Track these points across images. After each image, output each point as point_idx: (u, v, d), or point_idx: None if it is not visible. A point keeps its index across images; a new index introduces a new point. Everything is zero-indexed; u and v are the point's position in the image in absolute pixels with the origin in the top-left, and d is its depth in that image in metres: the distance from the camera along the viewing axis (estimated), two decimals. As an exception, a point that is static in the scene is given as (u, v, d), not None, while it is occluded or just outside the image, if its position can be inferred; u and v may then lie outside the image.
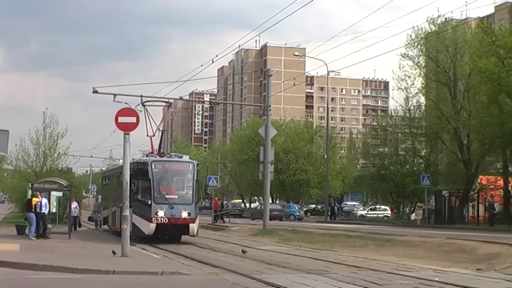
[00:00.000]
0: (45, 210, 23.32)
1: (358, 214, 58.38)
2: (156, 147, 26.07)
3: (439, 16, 42.26)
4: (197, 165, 24.55)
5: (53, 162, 38.05)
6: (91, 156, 72.83)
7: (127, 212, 17.86)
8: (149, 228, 22.70)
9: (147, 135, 25.83)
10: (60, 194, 26.08)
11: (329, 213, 50.71)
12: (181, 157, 26.10)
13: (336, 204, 51.72)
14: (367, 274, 13.79)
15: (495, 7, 63.65)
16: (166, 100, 27.95)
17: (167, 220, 22.66)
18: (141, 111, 23.48)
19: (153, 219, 22.60)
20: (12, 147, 34.08)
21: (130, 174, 21.65)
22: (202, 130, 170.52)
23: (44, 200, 23.65)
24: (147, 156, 25.65)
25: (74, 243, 21.98)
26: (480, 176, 41.61)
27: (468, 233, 24.26)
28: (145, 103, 25.57)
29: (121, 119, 17.76)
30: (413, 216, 43.78)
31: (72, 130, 56.23)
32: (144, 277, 13.51)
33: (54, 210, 24.64)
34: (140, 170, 23.38)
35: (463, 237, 21.46)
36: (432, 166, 46.70)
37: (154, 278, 13.41)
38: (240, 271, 14.28)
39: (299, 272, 14.42)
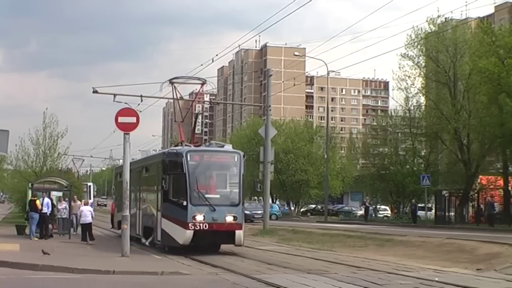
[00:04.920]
0: (47, 210, 23.38)
1: (358, 214, 58.36)
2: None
3: (439, 16, 42.29)
4: (243, 156, 20.02)
5: (53, 162, 38.01)
6: (91, 156, 72.95)
7: (127, 212, 17.93)
8: (184, 236, 18.16)
9: (175, 121, 23.19)
10: (60, 194, 26.18)
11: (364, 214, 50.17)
12: (222, 146, 21.55)
13: (368, 205, 51.02)
14: (367, 274, 13.80)
15: (495, 7, 63.62)
16: (198, 78, 23.37)
17: (207, 226, 18.22)
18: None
19: (189, 224, 18.08)
20: (12, 147, 34.06)
21: (160, 168, 19.48)
22: (202, 130, 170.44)
23: (46, 200, 23.71)
24: (175, 146, 21.27)
25: (74, 243, 21.98)
26: (480, 176, 41.60)
27: (468, 233, 24.26)
28: (174, 81, 22.03)
29: (121, 119, 17.81)
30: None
31: (72, 130, 56.12)
32: (144, 277, 13.52)
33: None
34: (172, 163, 19.08)
35: (463, 237, 21.47)
36: (432, 166, 46.70)
37: (154, 278, 13.42)
38: (240, 271, 14.30)
39: (299, 272, 14.42)
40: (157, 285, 12.71)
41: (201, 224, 18.19)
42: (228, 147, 21.57)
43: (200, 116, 26.44)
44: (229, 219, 18.59)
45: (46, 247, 17.86)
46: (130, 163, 27.49)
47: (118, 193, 27.49)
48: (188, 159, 18.76)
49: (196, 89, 25.14)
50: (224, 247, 19.93)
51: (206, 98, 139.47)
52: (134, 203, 22.73)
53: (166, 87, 22.69)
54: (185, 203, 18.27)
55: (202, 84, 22.74)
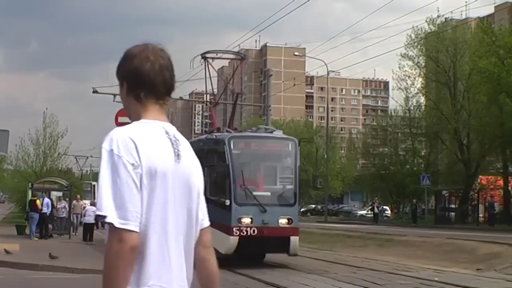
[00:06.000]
0: (47, 210, 23.37)
1: (358, 214, 58.41)
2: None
3: (438, 16, 42.38)
4: (298, 144, 16.57)
5: (53, 162, 38.05)
6: (91, 156, 72.85)
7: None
8: (228, 243, 14.48)
9: (206, 105, 21.20)
10: (60, 194, 26.19)
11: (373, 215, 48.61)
12: (271, 131, 17.22)
13: (378, 206, 50.47)
14: (367, 274, 13.80)
15: (495, 7, 63.66)
16: (236, 52, 19.41)
17: (256, 231, 14.71)
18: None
19: (234, 229, 14.59)
20: (12, 147, 34.07)
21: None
22: (202, 130, 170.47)
23: (46, 200, 23.71)
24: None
25: (74, 243, 21.97)
26: (480, 176, 41.60)
27: (468, 233, 24.25)
28: (207, 56, 18.38)
29: (121, 119, 17.73)
30: None
31: (72, 130, 56.25)
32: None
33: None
34: (211, 153, 15.58)
35: (463, 237, 21.47)
36: (432, 166, 46.71)
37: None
38: (240, 271, 14.27)
39: (299, 272, 14.42)
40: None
41: (249, 229, 14.66)
42: (278, 132, 17.38)
43: (239, 99, 22.27)
44: (283, 222, 15.07)
45: (45, 247, 17.86)
46: None
47: None
48: (232, 147, 15.12)
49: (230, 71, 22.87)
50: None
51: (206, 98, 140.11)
52: None
53: (198, 65, 18.98)
54: (228, 202, 14.76)
55: (241, 60, 19.21)
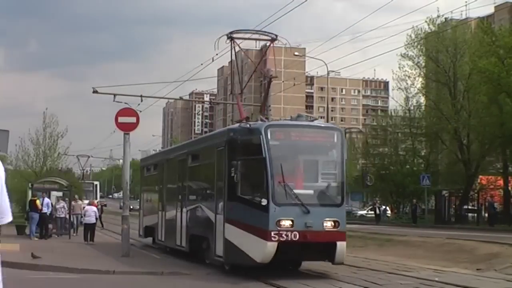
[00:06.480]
0: (47, 210, 23.38)
1: (358, 214, 58.37)
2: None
3: (438, 16, 42.34)
4: (345, 135, 14.69)
5: (53, 162, 38.06)
6: (91, 156, 72.88)
7: (127, 212, 17.88)
8: (264, 250, 12.56)
9: (231, 93, 18.64)
10: (60, 194, 26.20)
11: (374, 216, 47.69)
12: (312, 120, 15.14)
13: (380, 206, 50.03)
14: (367, 274, 13.80)
15: (495, 7, 63.73)
16: (267, 32, 17.23)
17: (297, 236, 12.64)
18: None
19: (271, 233, 12.49)
20: (12, 147, 34.03)
21: (223, 152, 14.02)
22: (202, 130, 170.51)
23: (47, 200, 23.72)
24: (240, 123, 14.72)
25: (74, 243, 21.97)
26: (480, 176, 41.63)
27: (468, 233, 24.26)
28: (233, 36, 16.48)
29: (121, 119, 17.82)
30: None
31: (72, 130, 56.22)
32: (144, 277, 13.52)
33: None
34: (244, 144, 13.63)
35: (463, 237, 21.48)
36: (432, 166, 46.72)
37: (154, 278, 13.41)
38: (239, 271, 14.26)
39: (299, 272, 14.40)
40: (157, 285, 12.70)
41: (289, 233, 12.59)
42: (319, 121, 15.57)
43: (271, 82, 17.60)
44: (328, 225, 13.10)
45: (45, 247, 17.88)
46: (166, 151, 21.00)
47: (144, 191, 23.90)
48: (269, 137, 13.09)
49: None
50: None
51: (206, 98, 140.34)
52: (173, 202, 18.23)
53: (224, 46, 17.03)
54: (264, 201, 12.71)
55: (273, 40, 16.87)
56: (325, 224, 13.00)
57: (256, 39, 17.71)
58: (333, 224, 13.13)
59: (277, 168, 12.79)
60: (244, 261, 12.99)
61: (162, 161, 20.73)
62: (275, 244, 12.42)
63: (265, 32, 17.17)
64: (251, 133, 13.38)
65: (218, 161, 14.32)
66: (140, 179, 26.98)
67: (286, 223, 12.61)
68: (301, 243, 12.72)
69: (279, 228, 12.52)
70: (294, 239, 12.57)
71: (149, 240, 21.96)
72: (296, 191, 12.85)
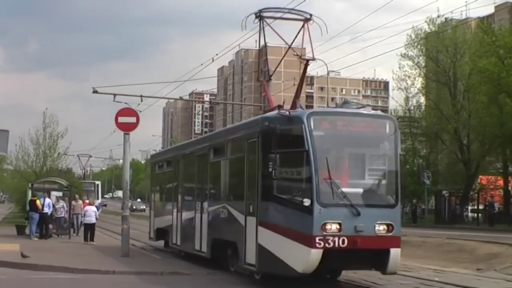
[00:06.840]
0: (47, 210, 23.37)
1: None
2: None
3: (438, 16, 42.38)
4: (398, 126, 12.46)
5: (53, 162, 38.04)
6: (91, 156, 72.86)
7: (127, 212, 17.85)
8: (308, 259, 10.79)
9: (259, 79, 16.75)
10: (60, 194, 26.17)
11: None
12: (360, 107, 13.18)
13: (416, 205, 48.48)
14: (367, 274, 13.78)
15: (495, 7, 63.66)
16: (300, 11, 15.11)
17: (346, 242, 10.89)
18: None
19: (316, 239, 10.73)
20: (12, 147, 34.07)
21: (256, 144, 12.26)
22: (202, 130, 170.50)
23: (47, 200, 23.70)
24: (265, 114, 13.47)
25: (74, 243, 21.96)
26: (480, 176, 41.66)
27: (468, 233, 24.26)
28: (263, 15, 14.71)
29: (121, 119, 17.81)
30: None
31: (72, 130, 56.19)
32: (144, 277, 13.51)
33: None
34: (282, 135, 11.78)
35: (463, 237, 21.48)
36: (432, 166, 46.70)
37: (154, 278, 13.40)
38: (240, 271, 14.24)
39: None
40: (157, 285, 12.69)
41: (337, 239, 10.84)
42: (367, 109, 13.16)
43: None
44: (381, 229, 11.26)
45: (45, 247, 17.86)
46: (182, 145, 20.10)
47: (156, 190, 22.00)
48: (312, 126, 11.28)
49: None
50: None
51: (206, 98, 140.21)
52: (191, 202, 16.52)
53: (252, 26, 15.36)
54: (307, 202, 10.93)
55: (306, 21, 14.58)
56: (377, 228, 11.19)
57: (287, 19, 15.38)
58: (386, 228, 11.29)
59: (322, 162, 10.98)
60: (281, 270, 11.21)
61: (177, 157, 18.71)
62: (320, 251, 10.69)
63: (298, 11, 15.11)
64: (291, 122, 11.54)
65: (249, 155, 12.58)
66: (151, 177, 25.10)
67: (333, 227, 10.86)
68: (350, 251, 10.94)
69: (324, 233, 10.78)
70: (342, 246, 10.82)
71: (160, 243, 20.31)
72: (344, 189, 11.09)
